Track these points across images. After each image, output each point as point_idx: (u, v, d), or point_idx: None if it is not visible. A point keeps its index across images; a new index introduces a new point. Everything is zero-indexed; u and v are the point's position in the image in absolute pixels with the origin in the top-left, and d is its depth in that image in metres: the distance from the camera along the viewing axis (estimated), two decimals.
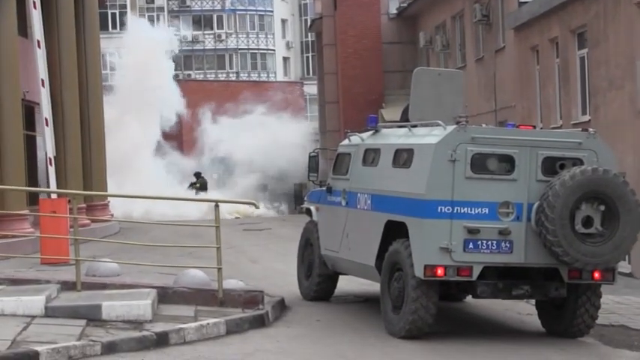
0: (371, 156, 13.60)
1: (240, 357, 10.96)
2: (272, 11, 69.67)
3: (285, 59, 71.34)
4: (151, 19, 61.16)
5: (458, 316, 14.32)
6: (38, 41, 20.27)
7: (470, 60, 31.53)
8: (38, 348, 10.24)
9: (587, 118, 21.73)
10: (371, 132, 14.18)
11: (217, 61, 68.08)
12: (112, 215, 30.39)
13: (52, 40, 24.19)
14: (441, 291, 12.25)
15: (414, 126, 13.14)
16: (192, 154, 50.51)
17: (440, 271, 11.81)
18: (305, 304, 14.96)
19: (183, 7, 67.75)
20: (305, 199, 16.73)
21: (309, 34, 60.85)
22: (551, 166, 12.09)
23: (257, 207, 15.28)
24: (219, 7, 68.24)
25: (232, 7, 68.28)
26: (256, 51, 68.63)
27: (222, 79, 65.22)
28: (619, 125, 20.04)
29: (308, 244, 15.53)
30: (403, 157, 12.66)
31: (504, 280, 12.17)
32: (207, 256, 16.72)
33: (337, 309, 14.57)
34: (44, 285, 13.49)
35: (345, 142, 14.80)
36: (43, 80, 20.36)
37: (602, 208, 11.83)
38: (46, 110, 20.30)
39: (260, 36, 68.75)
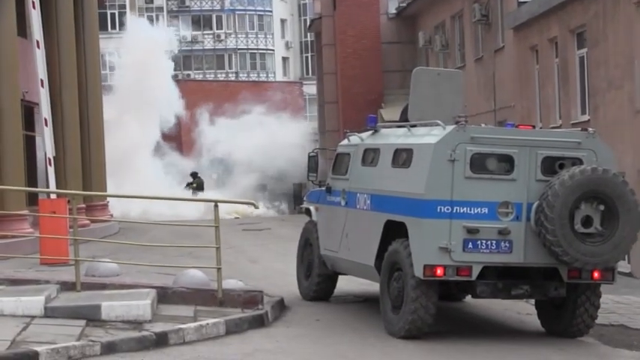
0: (370, 156, 13.60)
1: (240, 357, 10.96)
2: (271, 11, 69.67)
3: (285, 59, 71.34)
4: (150, 19, 61.10)
5: (457, 316, 14.32)
6: (37, 41, 20.28)
7: (469, 60, 31.54)
8: (38, 348, 10.24)
9: (586, 117, 21.74)
10: (370, 132, 14.18)
11: (216, 61, 68.07)
12: (112, 215, 30.39)
13: (51, 41, 24.19)
14: (441, 291, 12.25)
15: (414, 126, 13.15)
16: (192, 155, 50.49)
17: (439, 271, 11.82)
18: (304, 304, 14.96)
19: (182, 8, 67.75)
20: (304, 199, 16.73)
21: (309, 34, 60.84)
22: (551, 165, 12.09)
23: (256, 207, 15.28)
24: (218, 7, 68.23)
25: (231, 7, 68.28)
26: (255, 51, 68.64)
27: (222, 79, 65.20)
28: (618, 125, 20.05)
29: (307, 244, 15.53)
30: (402, 157, 12.66)
31: (504, 279, 12.17)
32: (207, 256, 16.72)
33: (337, 309, 14.56)
34: (44, 285, 13.49)
35: (345, 142, 14.80)
36: (42, 80, 20.38)
37: (602, 207, 11.83)
38: (45, 110, 20.31)
39: (259, 36, 68.75)
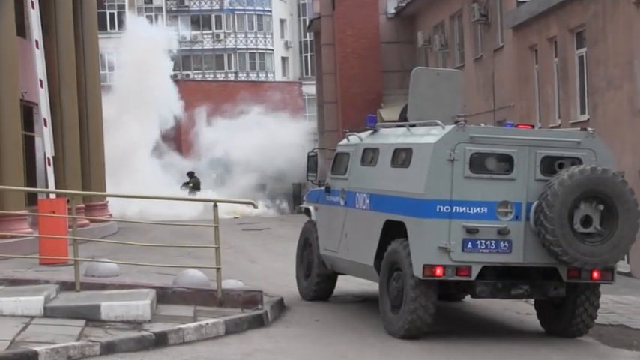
0: (370, 156, 13.60)
1: (239, 357, 10.96)
2: (270, 11, 69.65)
3: (284, 59, 71.33)
4: (149, 19, 61.10)
5: (457, 316, 14.32)
6: (37, 41, 20.30)
7: (468, 59, 31.54)
8: (37, 348, 10.24)
9: (585, 117, 21.75)
10: (370, 132, 14.18)
11: (216, 61, 68.06)
12: (111, 215, 30.38)
13: (50, 41, 24.19)
14: (440, 290, 12.25)
15: (413, 126, 13.15)
16: (191, 154, 50.48)
17: (439, 271, 11.82)
18: (304, 303, 14.96)
19: (181, 7, 67.73)
20: (304, 198, 16.73)
21: (308, 33, 60.82)
22: (550, 165, 12.10)
23: (255, 207, 15.27)
24: (217, 7, 68.21)
25: (231, 7, 68.26)
26: (255, 51, 68.62)
27: (221, 79, 65.19)
28: (617, 125, 20.06)
29: (307, 244, 15.53)
30: (402, 156, 12.66)
31: (503, 279, 12.17)
32: (206, 256, 16.72)
33: (336, 309, 14.56)
34: (43, 285, 13.48)
35: (344, 141, 14.79)
36: (41, 80, 20.39)
37: (601, 207, 11.84)
38: (44, 110, 20.33)
39: (258, 36, 68.73)
